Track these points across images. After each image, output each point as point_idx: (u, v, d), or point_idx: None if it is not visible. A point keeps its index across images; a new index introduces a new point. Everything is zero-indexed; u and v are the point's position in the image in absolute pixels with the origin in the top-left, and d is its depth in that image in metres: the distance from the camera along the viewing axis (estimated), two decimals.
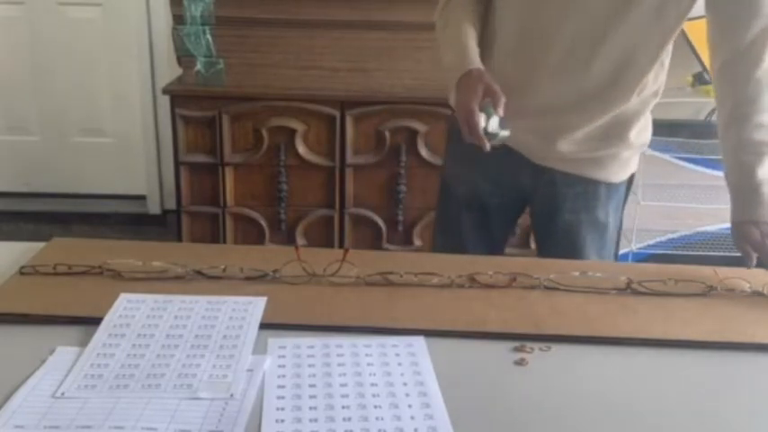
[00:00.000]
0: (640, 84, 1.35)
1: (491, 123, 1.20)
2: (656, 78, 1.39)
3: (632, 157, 1.47)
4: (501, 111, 1.20)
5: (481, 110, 1.20)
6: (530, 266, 1.25)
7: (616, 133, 1.40)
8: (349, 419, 0.85)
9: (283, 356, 0.98)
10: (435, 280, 1.19)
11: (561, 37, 1.29)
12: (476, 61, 1.27)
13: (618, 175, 1.46)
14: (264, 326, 1.05)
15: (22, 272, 1.18)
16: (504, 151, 1.38)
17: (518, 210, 1.56)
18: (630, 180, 1.51)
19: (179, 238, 2.74)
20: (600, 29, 1.27)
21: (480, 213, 1.51)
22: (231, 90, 2.61)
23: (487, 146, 1.20)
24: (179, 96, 2.60)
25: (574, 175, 1.43)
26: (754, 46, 1.24)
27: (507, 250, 2.66)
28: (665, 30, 1.30)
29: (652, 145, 2.81)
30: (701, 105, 2.96)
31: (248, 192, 2.71)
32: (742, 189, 1.29)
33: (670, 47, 1.36)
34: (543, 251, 1.52)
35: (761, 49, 1.25)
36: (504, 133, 1.21)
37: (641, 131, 1.44)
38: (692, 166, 2.98)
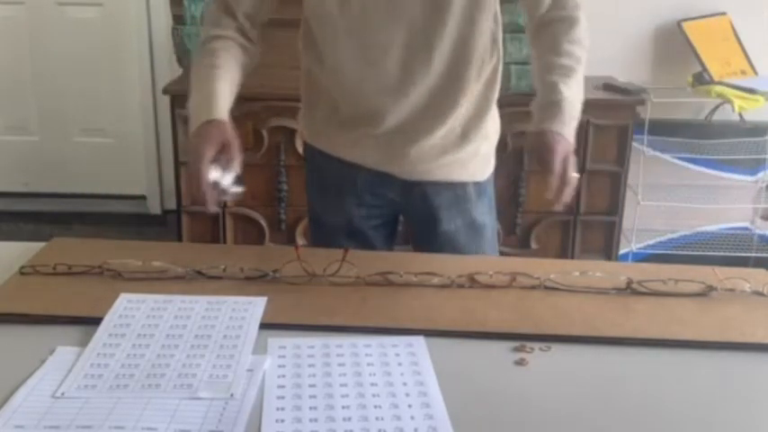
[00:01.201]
0: (479, 65, 1.35)
1: (225, 178, 1.15)
2: (492, 54, 1.38)
3: (491, 151, 1.47)
4: (237, 167, 1.16)
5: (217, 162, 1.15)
6: (530, 266, 1.25)
7: (473, 126, 1.39)
8: (349, 419, 0.85)
9: (283, 356, 0.98)
10: (435, 280, 1.19)
11: (393, 52, 1.29)
12: (222, 111, 1.22)
13: (483, 172, 1.46)
14: (264, 326, 1.05)
15: (22, 272, 1.18)
16: (372, 174, 1.41)
17: (395, 222, 1.54)
18: (494, 179, 1.51)
19: (179, 238, 2.74)
20: (424, 36, 1.29)
21: (361, 237, 1.48)
22: None
23: (212, 207, 1.14)
24: (179, 96, 2.60)
25: (442, 182, 1.42)
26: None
27: (507, 250, 2.67)
28: (484, 13, 1.31)
29: (652, 145, 2.84)
30: (701, 105, 2.96)
31: (248, 192, 2.70)
32: (545, 104, 1.28)
33: (499, 19, 1.36)
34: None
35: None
36: (237, 190, 1.17)
37: (494, 120, 1.44)
38: (692, 166, 2.99)
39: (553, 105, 1.26)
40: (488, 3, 1.31)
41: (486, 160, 1.47)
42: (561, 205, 1.20)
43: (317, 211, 1.55)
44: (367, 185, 1.44)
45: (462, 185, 1.44)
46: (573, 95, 1.28)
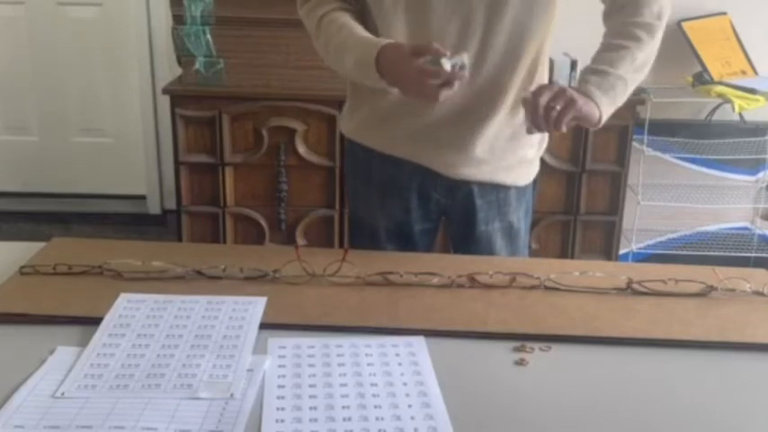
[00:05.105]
0: (533, 66, 1.35)
1: (445, 64, 1.15)
2: (544, 67, 1.39)
3: (536, 157, 1.47)
4: (444, 51, 1.16)
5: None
6: (530, 266, 1.25)
7: (521, 130, 1.35)
8: (349, 419, 0.85)
9: (283, 356, 0.98)
10: (435, 280, 1.19)
11: (446, 42, 1.27)
12: (380, 40, 1.24)
13: (526, 177, 1.46)
14: (264, 326, 1.05)
15: (22, 272, 1.18)
16: (419, 173, 1.40)
17: (438, 224, 1.54)
18: (534, 184, 1.51)
19: (179, 238, 2.74)
20: (486, 19, 1.27)
21: (405, 241, 1.48)
22: (231, 90, 2.61)
23: (456, 84, 1.15)
24: (179, 96, 2.60)
25: (488, 183, 1.42)
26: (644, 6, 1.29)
27: None
28: (542, 11, 1.30)
29: (652, 145, 2.84)
30: (701, 105, 2.96)
31: (248, 192, 2.70)
32: (596, 72, 1.27)
33: (549, 39, 1.36)
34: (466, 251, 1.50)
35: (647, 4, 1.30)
36: (463, 59, 1.18)
37: None
38: (692, 166, 2.98)
39: (603, 75, 1.26)
40: (547, 2, 1.30)
41: (530, 166, 1.47)
42: (530, 129, 1.21)
43: (359, 214, 1.53)
44: (414, 185, 1.43)
45: (505, 189, 1.44)
46: (628, 76, 1.27)
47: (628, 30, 1.29)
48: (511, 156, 1.41)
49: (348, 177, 1.57)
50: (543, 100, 1.17)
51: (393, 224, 1.47)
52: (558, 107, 1.17)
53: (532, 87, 1.28)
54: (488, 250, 1.46)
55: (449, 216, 1.50)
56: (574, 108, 1.19)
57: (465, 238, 1.48)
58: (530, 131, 1.23)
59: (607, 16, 1.35)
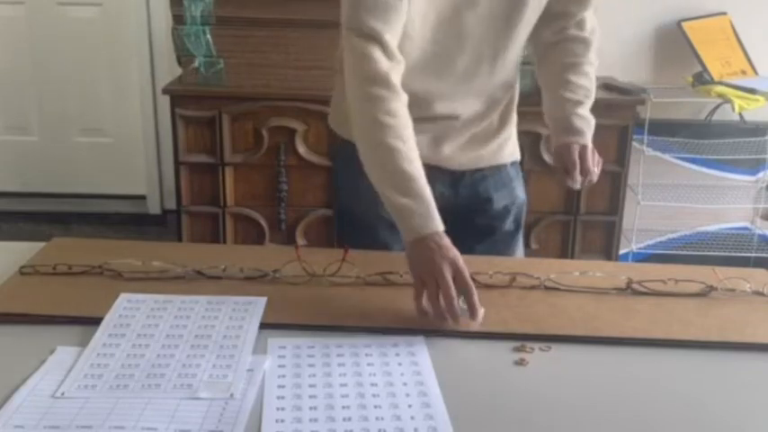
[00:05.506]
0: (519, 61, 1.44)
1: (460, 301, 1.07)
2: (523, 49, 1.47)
3: (515, 134, 1.55)
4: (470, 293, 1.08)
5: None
6: (530, 266, 1.25)
7: (507, 114, 1.47)
8: (349, 419, 0.85)
9: (283, 356, 0.98)
10: None
11: (460, 61, 1.33)
12: (438, 220, 1.14)
13: (515, 152, 1.53)
14: (264, 326, 1.05)
15: (22, 272, 1.18)
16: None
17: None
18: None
19: (179, 238, 2.74)
20: (500, 36, 1.33)
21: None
22: (231, 90, 2.61)
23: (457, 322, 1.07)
24: (179, 96, 2.60)
25: (487, 167, 1.48)
26: (583, 20, 1.41)
27: None
28: (538, 13, 1.36)
29: (652, 145, 2.83)
30: (701, 105, 2.96)
31: (248, 192, 2.70)
32: (564, 118, 1.38)
33: None
34: (469, 248, 1.50)
35: (585, 20, 1.41)
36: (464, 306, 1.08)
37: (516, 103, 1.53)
38: (692, 166, 2.98)
39: (576, 126, 1.37)
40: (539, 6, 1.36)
41: (515, 142, 1.54)
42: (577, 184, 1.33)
43: (354, 210, 1.51)
44: None
45: (504, 167, 1.50)
46: (590, 116, 1.41)
47: (580, 67, 1.40)
48: (501, 137, 1.47)
49: (340, 175, 1.56)
50: (589, 165, 1.33)
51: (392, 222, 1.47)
52: (597, 170, 1.35)
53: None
54: (501, 227, 1.51)
55: (455, 209, 1.50)
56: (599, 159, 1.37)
57: (473, 223, 1.50)
58: (574, 186, 1.34)
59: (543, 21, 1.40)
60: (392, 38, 1.20)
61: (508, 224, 1.52)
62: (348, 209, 1.55)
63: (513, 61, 1.39)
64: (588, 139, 1.37)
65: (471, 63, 1.34)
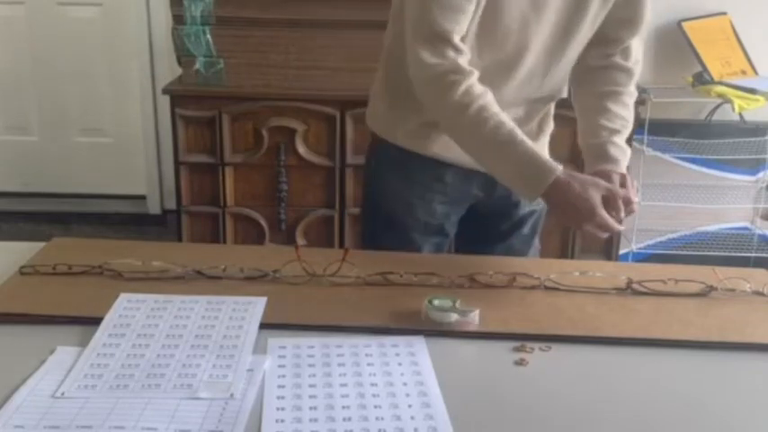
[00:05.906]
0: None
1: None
2: None
3: (548, 141, 1.57)
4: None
5: None
6: (530, 266, 1.25)
7: (545, 120, 1.50)
8: (349, 419, 0.85)
9: (283, 356, 0.98)
10: (435, 280, 1.19)
11: (519, 70, 1.35)
12: (554, 166, 1.25)
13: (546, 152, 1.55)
14: (264, 326, 1.05)
15: (22, 272, 1.18)
16: (461, 172, 1.44)
17: (468, 217, 1.58)
18: None
19: (179, 238, 2.74)
20: (557, 48, 1.35)
21: (440, 235, 1.52)
22: (231, 90, 2.61)
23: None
24: (179, 96, 2.60)
25: None
26: (629, 48, 1.42)
27: None
28: (594, 27, 1.38)
29: (652, 145, 2.83)
30: (701, 105, 2.95)
31: (248, 192, 2.70)
32: (599, 145, 1.38)
33: None
34: (491, 248, 1.54)
35: (631, 48, 1.42)
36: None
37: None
38: (692, 166, 2.98)
39: (611, 154, 1.36)
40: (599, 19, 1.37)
41: (547, 149, 1.55)
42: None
43: (396, 212, 1.52)
44: (456, 182, 1.47)
45: None
46: (626, 146, 1.41)
47: (623, 79, 1.42)
48: (539, 143, 1.48)
49: (374, 174, 1.56)
50: (630, 194, 1.29)
51: (429, 218, 1.50)
52: (636, 199, 1.32)
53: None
54: (529, 230, 1.55)
55: (483, 209, 1.54)
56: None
57: (500, 226, 1.54)
58: (618, 225, 1.27)
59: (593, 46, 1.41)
60: (459, 38, 1.26)
61: (526, 229, 1.54)
62: (380, 209, 1.56)
63: (561, 76, 1.41)
64: (623, 168, 1.36)
65: (527, 75, 1.36)
